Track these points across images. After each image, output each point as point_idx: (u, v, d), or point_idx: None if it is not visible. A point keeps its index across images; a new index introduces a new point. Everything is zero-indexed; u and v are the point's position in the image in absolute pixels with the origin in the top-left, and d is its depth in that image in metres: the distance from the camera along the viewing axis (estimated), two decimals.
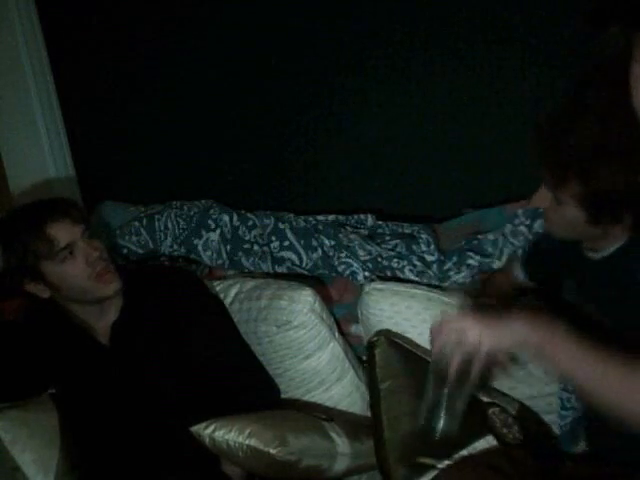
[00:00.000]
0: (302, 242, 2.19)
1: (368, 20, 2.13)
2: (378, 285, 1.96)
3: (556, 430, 1.77)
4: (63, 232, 1.80)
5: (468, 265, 2.02)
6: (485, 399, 1.78)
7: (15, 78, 2.52)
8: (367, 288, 1.96)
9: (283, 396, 2.04)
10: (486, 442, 1.73)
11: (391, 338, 1.88)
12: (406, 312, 1.89)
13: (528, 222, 1.95)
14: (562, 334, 1.21)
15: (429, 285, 2.02)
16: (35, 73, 2.52)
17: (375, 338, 1.88)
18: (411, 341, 1.88)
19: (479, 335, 1.24)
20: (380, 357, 1.85)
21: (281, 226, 2.23)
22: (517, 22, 1.96)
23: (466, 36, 2.02)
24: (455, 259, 2.05)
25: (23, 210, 1.88)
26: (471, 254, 2.03)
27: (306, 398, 2.05)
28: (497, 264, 2.00)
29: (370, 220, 2.22)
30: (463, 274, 2.02)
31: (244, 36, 2.29)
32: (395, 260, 2.09)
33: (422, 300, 1.90)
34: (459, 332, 1.26)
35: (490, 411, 1.75)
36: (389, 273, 2.10)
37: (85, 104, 2.60)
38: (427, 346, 1.85)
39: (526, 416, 1.79)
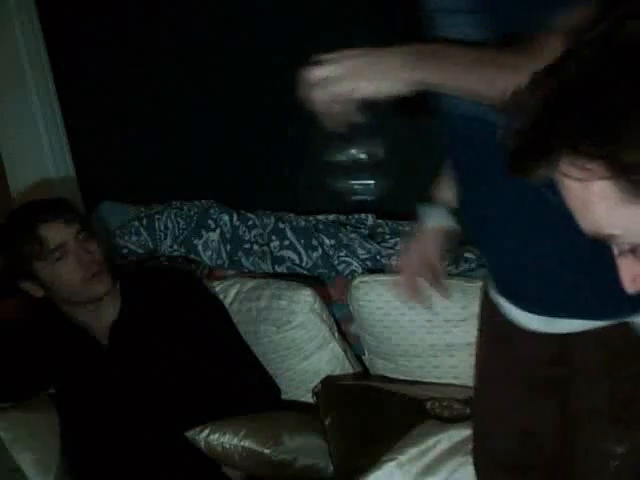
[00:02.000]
0: (302, 241, 2.18)
1: (368, 20, 2.12)
2: (364, 278, 1.97)
3: None
4: (54, 233, 1.80)
5: (466, 259, 2.01)
6: (417, 397, 1.80)
7: (15, 78, 2.51)
8: (355, 282, 1.96)
9: (283, 396, 2.04)
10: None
11: (335, 382, 1.93)
12: (394, 301, 1.89)
13: None
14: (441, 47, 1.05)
15: None
16: (35, 73, 2.52)
17: (317, 389, 1.92)
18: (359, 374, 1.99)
19: (353, 86, 1.03)
20: (323, 401, 1.88)
21: (281, 226, 2.22)
22: None
23: None
24: (453, 254, 2.04)
25: (19, 210, 1.89)
26: (469, 248, 2.03)
27: (306, 398, 2.04)
28: None
29: (370, 219, 2.21)
30: (462, 268, 2.01)
31: (244, 36, 2.29)
32: (395, 258, 2.08)
33: None
34: (330, 83, 1.03)
35: (428, 406, 1.76)
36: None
37: (85, 104, 2.59)
38: (418, 336, 1.89)
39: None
